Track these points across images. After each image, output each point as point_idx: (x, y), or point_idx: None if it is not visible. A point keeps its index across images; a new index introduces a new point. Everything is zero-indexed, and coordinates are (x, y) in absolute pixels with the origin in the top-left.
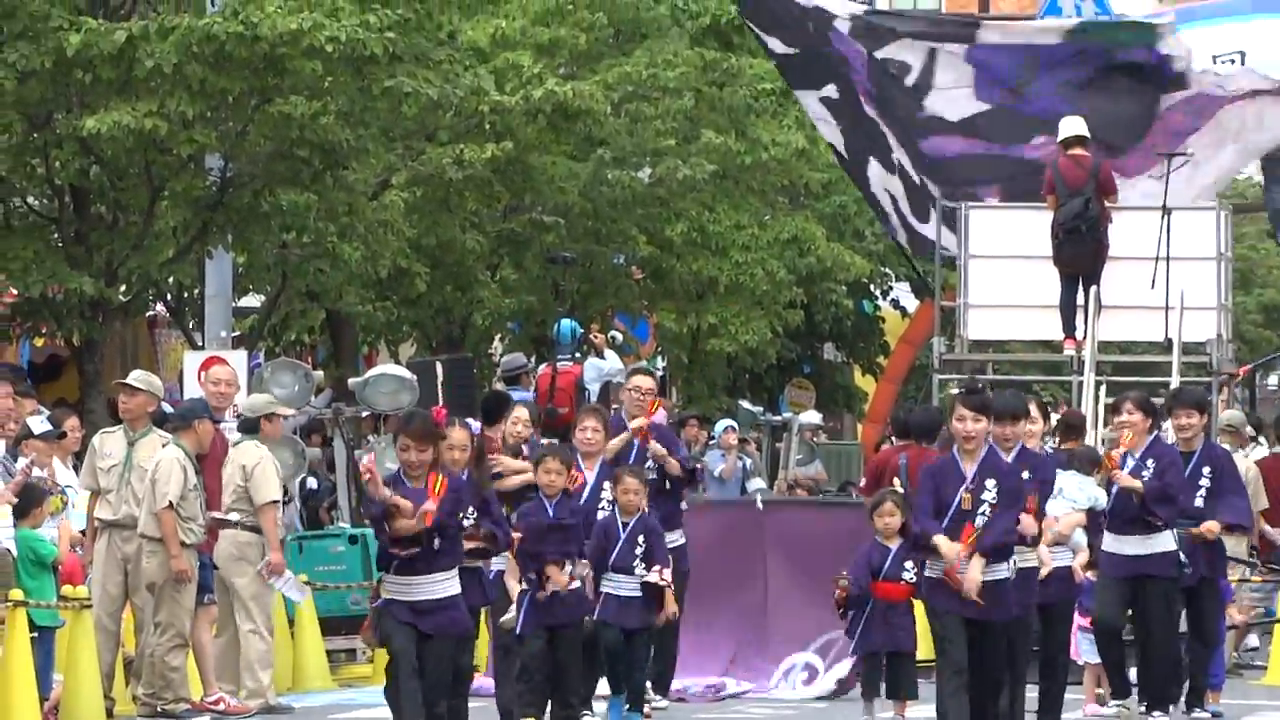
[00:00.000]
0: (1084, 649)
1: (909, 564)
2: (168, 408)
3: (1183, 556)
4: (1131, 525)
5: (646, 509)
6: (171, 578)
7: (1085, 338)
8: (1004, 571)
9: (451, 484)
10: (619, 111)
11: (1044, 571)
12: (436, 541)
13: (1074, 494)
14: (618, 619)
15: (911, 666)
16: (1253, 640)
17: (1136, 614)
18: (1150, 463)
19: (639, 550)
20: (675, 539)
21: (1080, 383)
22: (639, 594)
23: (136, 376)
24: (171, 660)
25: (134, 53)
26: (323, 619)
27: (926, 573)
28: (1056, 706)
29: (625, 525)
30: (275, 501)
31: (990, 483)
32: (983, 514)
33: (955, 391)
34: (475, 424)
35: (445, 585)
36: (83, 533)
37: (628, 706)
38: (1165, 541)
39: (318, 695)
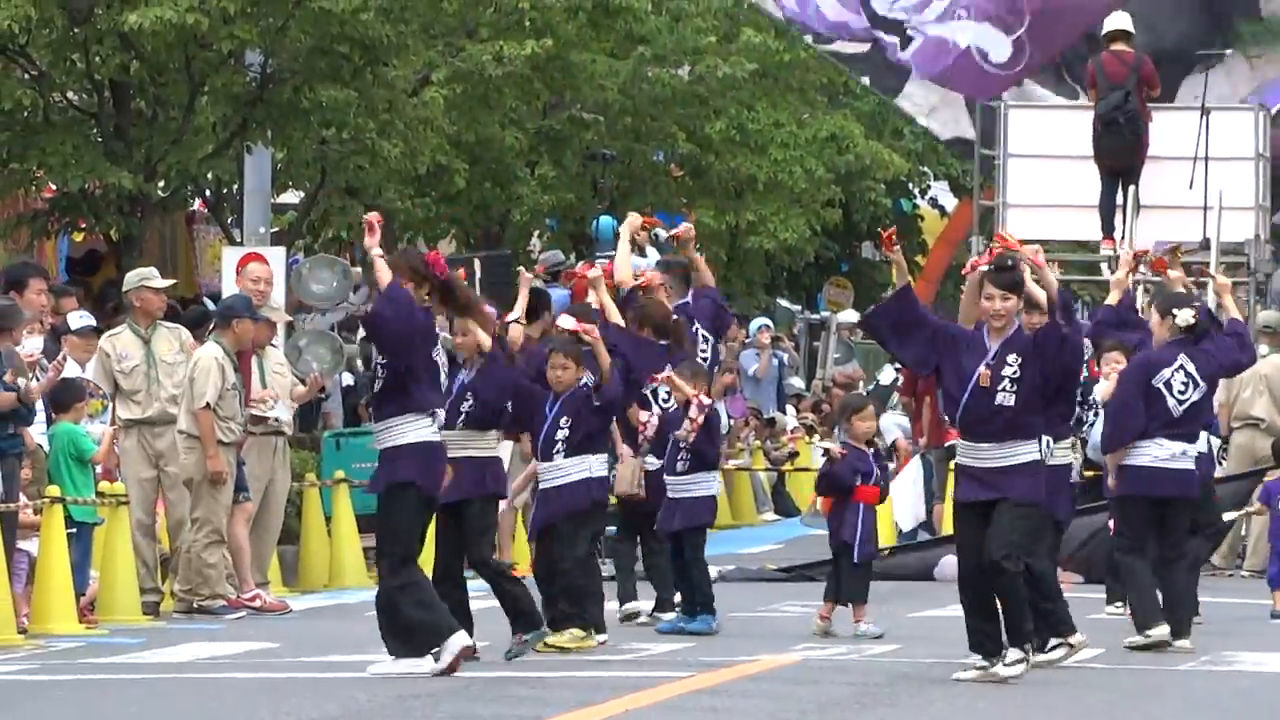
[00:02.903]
0: None
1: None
2: (211, 304)
3: None
4: None
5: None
6: (209, 476)
7: (1123, 238)
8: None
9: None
10: (659, 9)
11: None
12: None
13: None
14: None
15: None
16: None
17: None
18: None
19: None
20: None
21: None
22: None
23: (154, 274)
24: (208, 557)
25: None
26: (360, 516)
27: (959, 460)
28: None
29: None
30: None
31: (1012, 358)
32: (1003, 390)
33: (984, 268)
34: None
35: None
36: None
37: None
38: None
39: (355, 592)
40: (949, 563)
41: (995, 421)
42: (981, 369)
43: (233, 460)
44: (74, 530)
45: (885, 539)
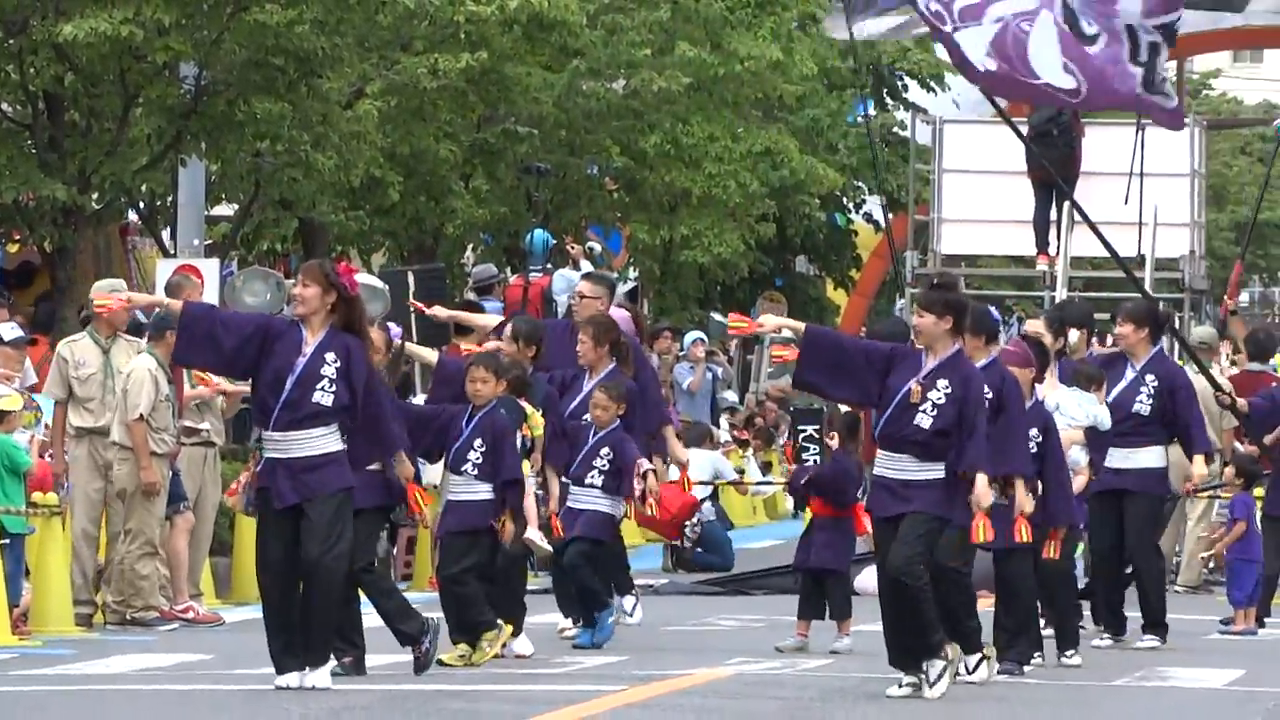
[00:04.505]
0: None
1: None
2: (141, 317)
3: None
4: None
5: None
6: (142, 487)
7: (1058, 253)
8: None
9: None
10: (594, 22)
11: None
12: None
13: (1072, 411)
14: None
15: (842, 585)
16: None
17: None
18: (1150, 379)
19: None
20: None
21: (1052, 297)
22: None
23: (113, 286)
24: (141, 568)
25: None
26: None
27: (876, 471)
28: (1065, 634)
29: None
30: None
31: (943, 383)
32: (924, 411)
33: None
34: (396, 330)
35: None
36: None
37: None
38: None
39: None
40: (868, 575)
41: (915, 438)
42: (914, 384)
43: (166, 471)
44: (7, 541)
45: None
